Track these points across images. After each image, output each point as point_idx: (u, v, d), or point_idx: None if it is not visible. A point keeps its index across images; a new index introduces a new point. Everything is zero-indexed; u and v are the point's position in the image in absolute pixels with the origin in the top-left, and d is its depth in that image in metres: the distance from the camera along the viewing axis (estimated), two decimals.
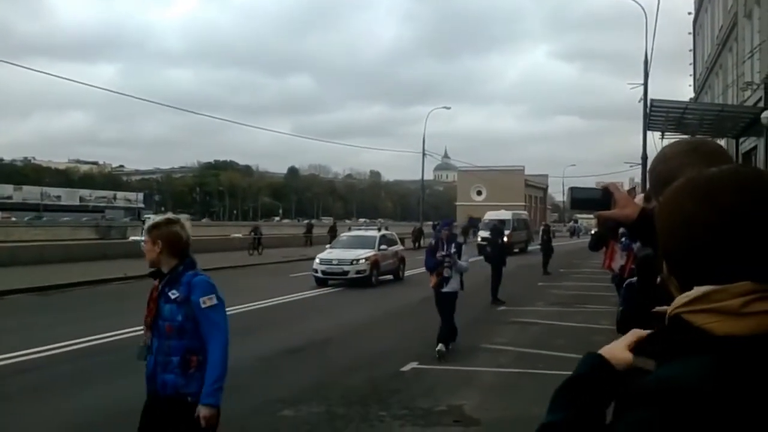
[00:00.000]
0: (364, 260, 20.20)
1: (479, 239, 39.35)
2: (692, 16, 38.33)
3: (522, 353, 10.12)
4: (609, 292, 10.59)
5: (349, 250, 20.95)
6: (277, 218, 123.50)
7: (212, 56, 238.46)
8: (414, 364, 9.17)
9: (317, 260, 20.53)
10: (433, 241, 10.72)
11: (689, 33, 39.29)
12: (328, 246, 22.80)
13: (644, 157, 27.30)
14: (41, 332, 11.31)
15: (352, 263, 20.02)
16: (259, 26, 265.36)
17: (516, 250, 36.92)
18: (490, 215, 42.61)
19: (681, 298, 0.98)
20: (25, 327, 12.23)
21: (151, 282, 3.72)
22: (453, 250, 9.94)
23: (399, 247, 23.67)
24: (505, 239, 33.31)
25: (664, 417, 0.86)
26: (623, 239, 6.67)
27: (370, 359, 9.62)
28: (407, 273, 22.72)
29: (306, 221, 56.33)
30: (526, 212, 52.95)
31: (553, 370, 8.93)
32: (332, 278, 20.01)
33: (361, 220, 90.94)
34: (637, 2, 27.70)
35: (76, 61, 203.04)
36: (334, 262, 20.19)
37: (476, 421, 6.80)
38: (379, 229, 25.46)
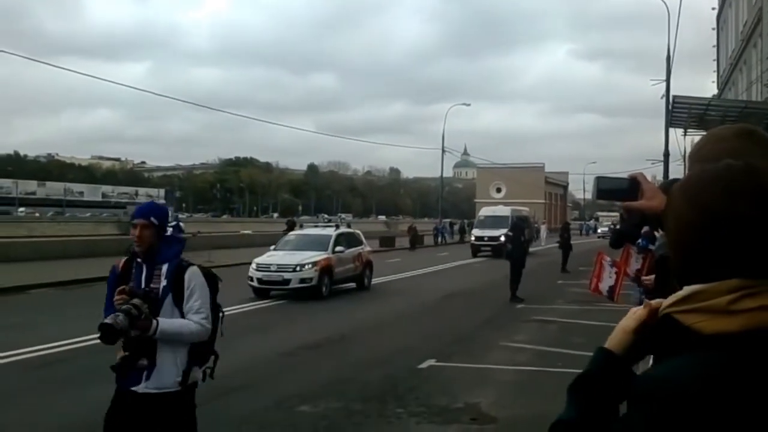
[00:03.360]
0: (310, 265, 16.33)
1: (473, 238, 36.20)
2: (716, 12, 37.88)
3: (540, 351, 10.07)
4: (630, 290, 10.49)
5: (295, 252, 17.12)
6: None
7: (239, 55, 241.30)
8: (432, 362, 9.16)
9: (254, 266, 16.73)
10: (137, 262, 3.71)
11: (713, 29, 38.85)
12: (272, 247, 18.51)
13: (666, 154, 27.08)
14: (68, 325, 11.45)
15: (295, 269, 16.22)
16: (286, 26, 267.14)
17: None
18: (486, 212, 39.21)
19: (671, 298, 0.98)
20: (50, 321, 12.40)
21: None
22: (163, 282, 3.60)
23: (363, 248, 19.37)
24: (502, 239, 32.33)
25: (652, 417, 0.87)
26: (640, 240, 6.54)
27: (388, 356, 9.63)
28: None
29: (288, 218, 45.03)
30: (527, 209, 45.11)
31: (571, 368, 8.87)
32: (272, 288, 16.41)
33: (346, 215, 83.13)
34: None
35: (105, 60, 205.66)
36: (273, 268, 16.40)
37: (493, 418, 6.79)
38: (337, 226, 20.83)
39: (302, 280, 16.18)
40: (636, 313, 1.08)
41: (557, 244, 27.10)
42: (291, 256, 16.81)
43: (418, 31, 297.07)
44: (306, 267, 16.31)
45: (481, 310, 14.41)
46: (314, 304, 15.55)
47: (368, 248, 19.97)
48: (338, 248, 17.48)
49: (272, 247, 18.43)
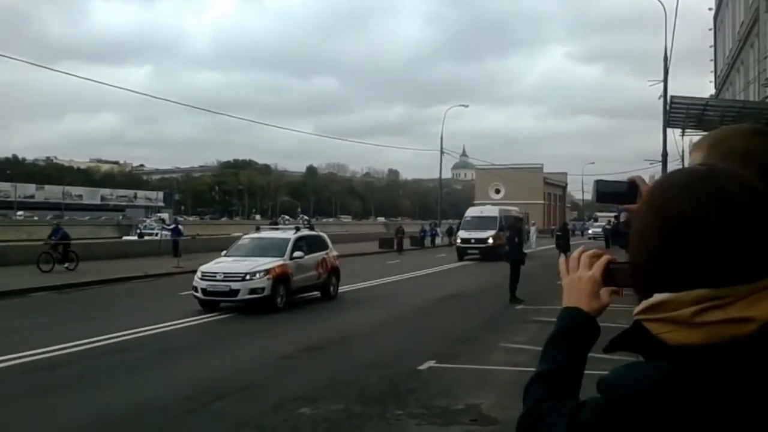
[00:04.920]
0: (261, 273, 14.27)
1: (459, 240, 34.07)
2: (713, 12, 37.93)
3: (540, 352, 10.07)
4: (627, 290, 10.49)
5: (247, 259, 15.13)
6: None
7: (239, 59, 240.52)
8: (431, 363, 9.17)
9: (199, 274, 14.67)
10: None
11: (710, 29, 38.89)
12: (223, 253, 16.50)
13: (664, 155, 27.12)
14: (63, 329, 11.45)
15: (244, 278, 14.19)
16: (286, 29, 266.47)
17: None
18: (472, 212, 36.85)
19: (642, 304, 0.98)
20: (47, 325, 12.40)
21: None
22: None
23: (329, 252, 17.21)
24: (491, 241, 31.34)
25: (615, 416, 0.90)
26: None
27: (388, 358, 9.63)
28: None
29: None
30: (516, 209, 40.26)
31: None
32: (219, 300, 14.32)
33: (346, 218, 77.92)
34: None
35: (108, 64, 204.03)
36: (219, 277, 14.30)
37: (494, 420, 6.78)
38: (297, 229, 18.38)
39: (252, 291, 14.14)
40: (597, 263, 1.19)
41: (554, 246, 27.13)
42: (241, 263, 14.83)
43: (418, 34, 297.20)
44: (257, 275, 14.26)
45: (481, 312, 14.41)
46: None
47: (334, 252, 17.71)
48: (297, 254, 15.53)
49: (223, 253, 16.44)
